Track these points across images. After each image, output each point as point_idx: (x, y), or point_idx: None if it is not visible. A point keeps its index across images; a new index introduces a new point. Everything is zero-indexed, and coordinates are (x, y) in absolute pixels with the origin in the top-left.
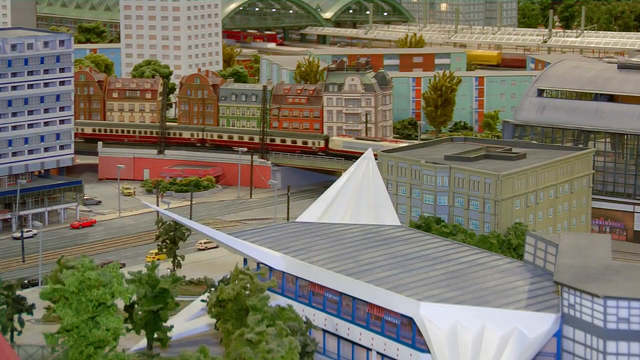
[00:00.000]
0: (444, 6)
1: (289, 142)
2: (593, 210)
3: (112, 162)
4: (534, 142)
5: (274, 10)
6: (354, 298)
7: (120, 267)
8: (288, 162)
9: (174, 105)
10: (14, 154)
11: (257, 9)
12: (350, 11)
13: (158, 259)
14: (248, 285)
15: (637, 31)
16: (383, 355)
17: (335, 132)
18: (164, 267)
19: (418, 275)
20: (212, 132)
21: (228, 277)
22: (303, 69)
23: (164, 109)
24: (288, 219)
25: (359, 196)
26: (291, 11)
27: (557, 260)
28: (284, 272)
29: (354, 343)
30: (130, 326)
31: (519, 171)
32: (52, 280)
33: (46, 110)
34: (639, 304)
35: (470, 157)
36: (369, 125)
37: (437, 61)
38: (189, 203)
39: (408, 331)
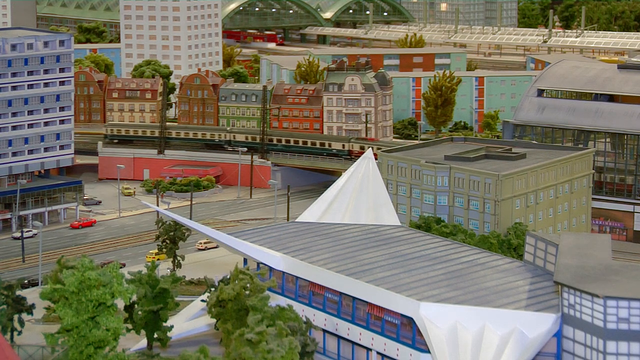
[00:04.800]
0: (444, 6)
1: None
2: (593, 210)
3: (112, 162)
4: (534, 142)
5: (274, 10)
6: (354, 298)
7: (120, 267)
8: (288, 162)
9: (174, 105)
10: (14, 154)
11: (257, 9)
12: (350, 11)
13: (158, 259)
14: (248, 285)
15: (637, 31)
16: (383, 355)
17: (335, 132)
18: (164, 267)
19: (418, 275)
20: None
21: (228, 277)
22: (303, 69)
23: (164, 109)
24: (288, 219)
25: (359, 196)
26: (291, 11)
27: (557, 260)
28: (284, 272)
29: (354, 343)
30: (130, 326)
31: (519, 171)
32: (52, 280)
33: (46, 110)
34: (639, 304)
35: (470, 157)
36: (369, 125)
37: (437, 61)
38: (189, 203)
39: (408, 331)
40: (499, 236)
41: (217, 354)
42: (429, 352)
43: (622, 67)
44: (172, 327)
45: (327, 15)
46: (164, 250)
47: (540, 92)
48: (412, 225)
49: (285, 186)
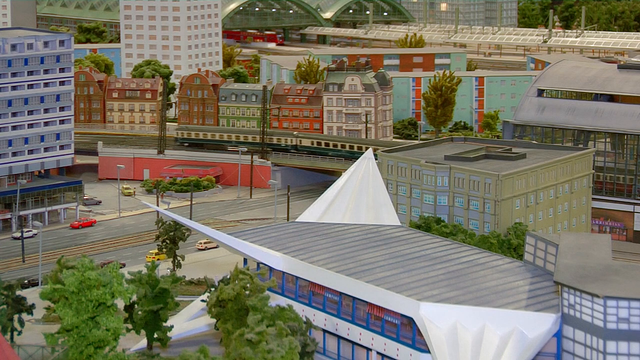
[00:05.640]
0: (444, 6)
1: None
2: (593, 210)
3: (112, 162)
4: (534, 142)
5: (274, 10)
6: (354, 298)
7: (120, 267)
8: (288, 162)
9: (174, 105)
10: (14, 154)
11: (257, 9)
12: (350, 11)
13: (158, 259)
14: (248, 285)
15: (637, 31)
16: (383, 355)
17: (336, 132)
18: (164, 267)
19: (418, 275)
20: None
21: (228, 277)
22: (303, 69)
23: (164, 109)
24: (288, 219)
25: (359, 196)
26: (291, 11)
27: (557, 260)
28: (284, 272)
29: (354, 343)
30: (130, 326)
31: (519, 171)
32: (52, 280)
33: (46, 110)
34: (639, 304)
35: (470, 157)
36: (369, 125)
37: (437, 61)
38: (189, 203)
39: (408, 331)
40: (499, 236)
41: (217, 354)
42: (429, 352)
43: (622, 67)
44: (172, 327)
45: (327, 15)
46: (164, 250)
47: (540, 92)
48: (412, 225)
49: (285, 186)
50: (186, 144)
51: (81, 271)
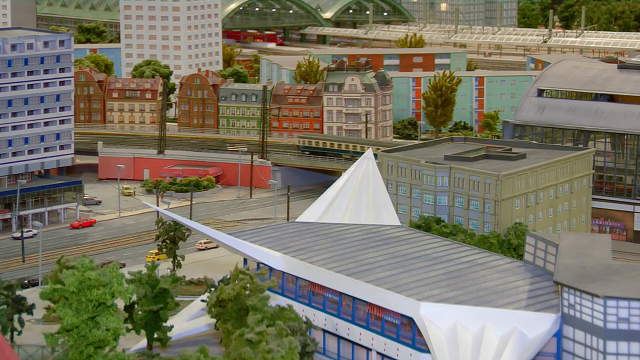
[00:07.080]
0: (444, 6)
1: None
2: (593, 210)
3: (112, 162)
4: (534, 142)
5: (274, 10)
6: (354, 298)
7: (120, 267)
8: (288, 162)
9: (174, 105)
10: (14, 154)
11: (257, 9)
12: (350, 11)
13: (158, 259)
14: (248, 285)
15: (637, 31)
16: (383, 355)
17: (336, 132)
18: (164, 267)
19: (418, 275)
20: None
21: (228, 277)
22: (303, 69)
23: (164, 109)
24: (288, 219)
25: (359, 196)
26: (291, 11)
27: (557, 260)
28: (284, 272)
29: (354, 343)
30: (130, 326)
31: (519, 171)
32: (52, 280)
33: (46, 110)
34: (639, 304)
35: (470, 157)
36: (369, 125)
37: (437, 61)
38: (189, 203)
39: (408, 331)
40: (499, 236)
41: (217, 354)
42: (429, 352)
43: (622, 67)
44: (172, 327)
45: (327, 15)
46: (164, 250)
47: (540, 92)
48: (412, 225)
49: (285, 186)
50: (307, 152)
51: (81, 271)
